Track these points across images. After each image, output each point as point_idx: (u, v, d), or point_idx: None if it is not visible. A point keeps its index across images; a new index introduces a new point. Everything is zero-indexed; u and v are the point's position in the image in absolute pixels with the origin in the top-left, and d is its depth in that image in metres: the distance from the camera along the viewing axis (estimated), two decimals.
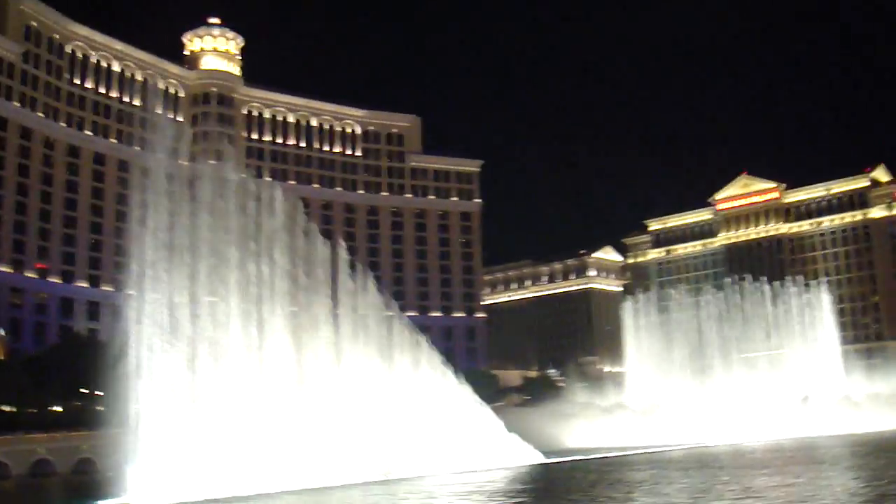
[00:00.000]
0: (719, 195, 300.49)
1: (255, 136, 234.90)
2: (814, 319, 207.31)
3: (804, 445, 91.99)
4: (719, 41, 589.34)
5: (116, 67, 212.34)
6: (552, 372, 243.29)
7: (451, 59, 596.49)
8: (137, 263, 66.25)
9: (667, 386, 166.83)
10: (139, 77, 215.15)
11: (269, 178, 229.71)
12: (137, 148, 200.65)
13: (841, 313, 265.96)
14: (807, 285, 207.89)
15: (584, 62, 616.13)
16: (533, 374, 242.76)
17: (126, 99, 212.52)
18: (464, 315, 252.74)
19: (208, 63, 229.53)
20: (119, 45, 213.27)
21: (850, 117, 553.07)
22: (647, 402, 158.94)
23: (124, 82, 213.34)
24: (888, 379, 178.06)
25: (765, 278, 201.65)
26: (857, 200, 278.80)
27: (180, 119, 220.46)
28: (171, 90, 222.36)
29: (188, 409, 65.18)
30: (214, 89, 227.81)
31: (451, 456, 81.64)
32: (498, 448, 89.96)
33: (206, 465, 64.34)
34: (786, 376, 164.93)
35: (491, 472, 76.12)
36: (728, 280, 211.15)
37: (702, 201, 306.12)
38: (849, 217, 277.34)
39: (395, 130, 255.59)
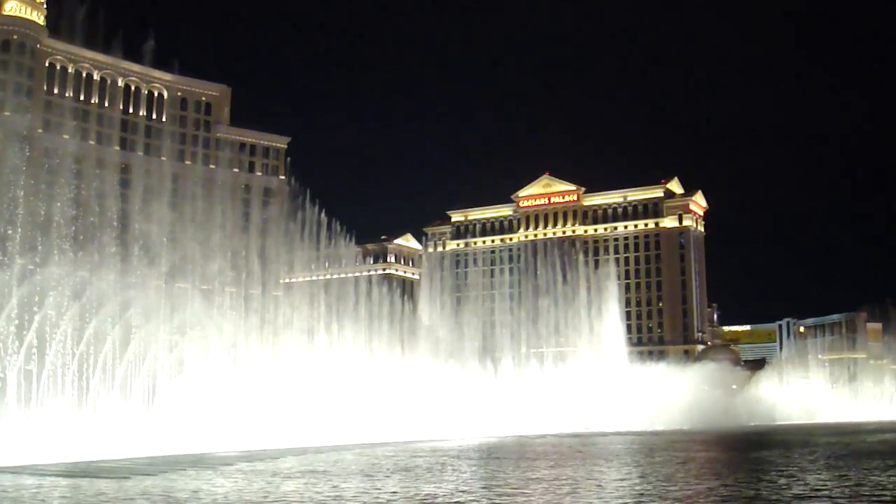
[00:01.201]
0: (522, 193, 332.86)
1: (56, 90, 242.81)
2: (602, 320, 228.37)
3: (587, 441, 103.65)
4: (534, 47, 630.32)
5: None
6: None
7: (269, 30, 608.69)
8: None
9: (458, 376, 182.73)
10: None
11: (67, 136, 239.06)
12: None
13: (628, 316, 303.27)
14: (598, 287, 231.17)
15: (406, 51, 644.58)
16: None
17: None
18: (259, 292, 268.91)
19: (11, 9, 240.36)
20: None
21: (650, 130, 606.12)
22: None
23: None
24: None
25: (559, 277, 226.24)
26: (651, 209, 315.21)
27: None
28: None
29: None
30: (16, 37, 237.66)
31: None
32: None
33: None
34: (573, 373, 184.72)
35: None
36: (522, 276, 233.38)
37: (504, 198, 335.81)
38: (642, 224, 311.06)
39: (203, 98, 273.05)
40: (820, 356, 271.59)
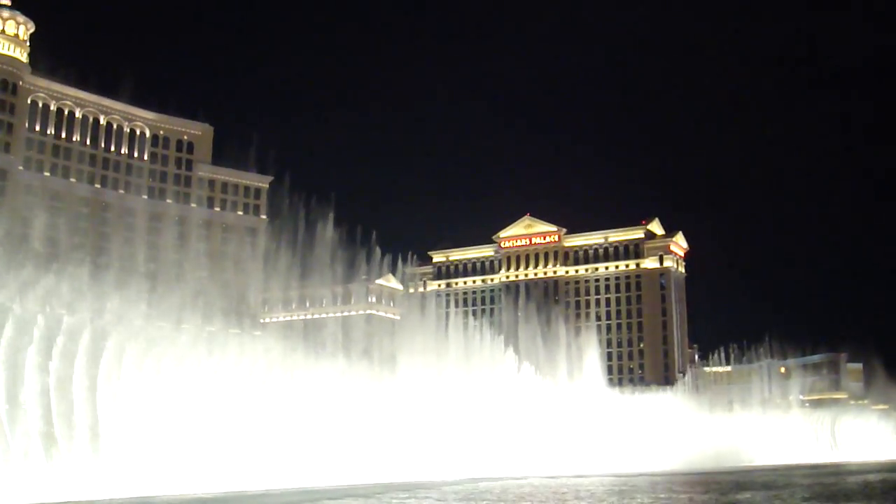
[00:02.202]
0: (503, 233, 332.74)
1: (37, 128, 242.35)
2: (582, 360, 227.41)
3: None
4: (516, 88, 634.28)
5: None
6: None
7: (249, 70, 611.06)
8: None
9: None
10: None
11: (48, 174, 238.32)
12: None
13: (609, 357, 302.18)
14: (578, 328, 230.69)
15: (387, 93, 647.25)
16: None
17: None
18: (239, 332, 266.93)
19: None
20: None
21: (630, 171, 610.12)
22: None
23: None
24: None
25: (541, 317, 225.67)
26: (632, 250, 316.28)
27: None
28: None
29: None
30: None
31: None
32: None
33: None
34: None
35: None
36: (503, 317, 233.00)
37: (485, 239, 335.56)
38: (623, 265, 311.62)
39: (185, 137, 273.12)
40: (801, 396, 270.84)
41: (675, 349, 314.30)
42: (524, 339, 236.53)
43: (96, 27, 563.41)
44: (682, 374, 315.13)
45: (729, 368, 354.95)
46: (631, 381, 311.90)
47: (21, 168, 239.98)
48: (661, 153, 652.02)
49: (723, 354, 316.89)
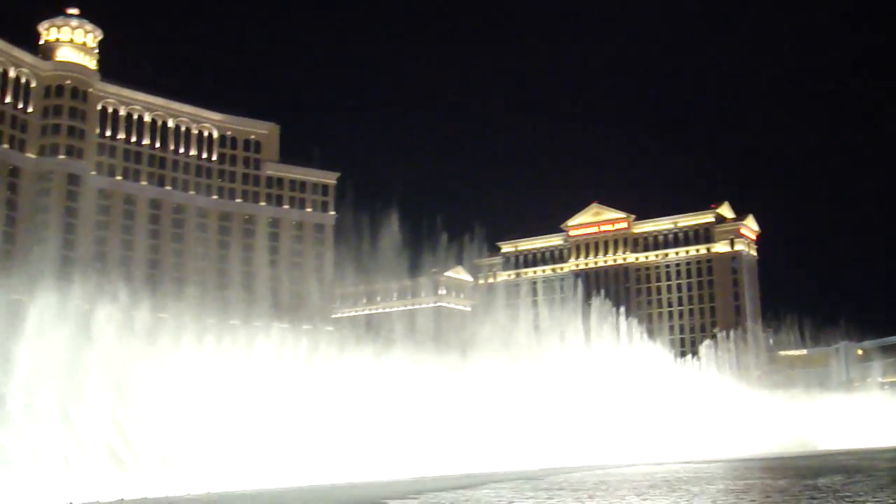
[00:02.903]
0: (571, 222, 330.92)
1: (108, 133, 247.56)
2: (655, 347, 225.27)
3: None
4: (582, 75, 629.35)
5: None
6: None
7: (315, 68, 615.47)
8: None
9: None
10: None
11: (119, 178, 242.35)
12: None
13: (682, 343, 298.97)
14: (649, 314, 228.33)
15: (450, 85, 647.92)
16: None
17: None
18: (311, 328, 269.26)
19: (64, 55, 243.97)
20: None
21: (699, 155, 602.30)
22: None
23: None
24: None
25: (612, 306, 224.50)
26: (702, 235, 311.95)
27: (31, 110, 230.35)
28: (23, 80, 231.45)
29: None
30: (69, 82, 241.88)
31: None
32: None
33: None
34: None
35: None
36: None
37: (553, 227, 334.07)
38: (693, 250, 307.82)
39: (253, 137, 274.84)
40: (880, 379, 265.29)
41: (749, 334, 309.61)
42: (595, 327, 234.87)
43: (160, 32, 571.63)
44: (755, 359, 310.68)
45: (804, 351, 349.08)
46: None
47: (94, 173, 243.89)
48: (730, 135, 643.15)
49: (798, 338, 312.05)
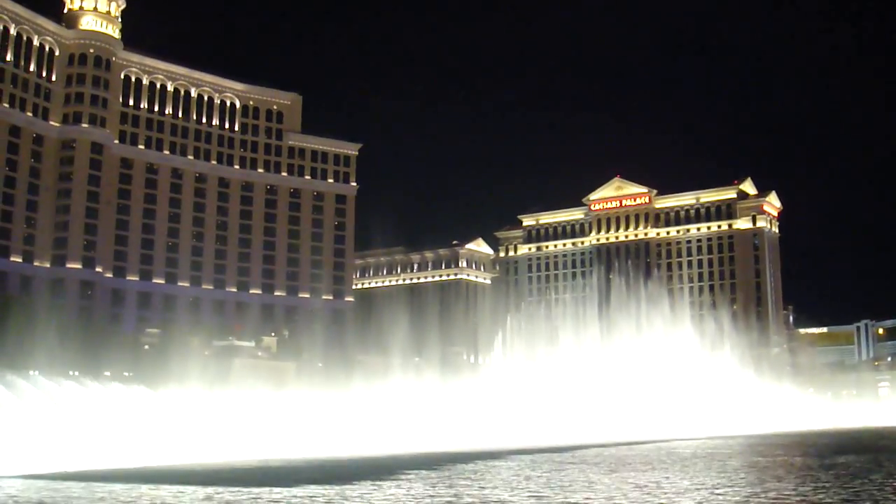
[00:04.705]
0: (593, 196, 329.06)
1: (131, 102, 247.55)
2: (674, 325, 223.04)
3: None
4: (604, 48, 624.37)
5: None
6: (417, 360, 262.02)
7: (337, 40, 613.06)
8: None
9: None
10: (13, 31, 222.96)
11: (142, 147, 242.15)
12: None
13: (701, 319, 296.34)
14: (670, 290, 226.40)
15: (471, 56, 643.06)
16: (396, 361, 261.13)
17: None
18: (332, 298, 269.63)
19: (87, 23, 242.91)
20: None
21: (721, 130, 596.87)
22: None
23: None
24: None
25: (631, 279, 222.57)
26: (724, 211, 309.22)
27: (54, 79, 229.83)
28: (47, 48, 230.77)
29: None
30: (92, 51, 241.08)
31: None
32: None
33: None
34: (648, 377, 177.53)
35: None
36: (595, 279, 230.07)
37: (575, 201, 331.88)
38: (715, 226, 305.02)
39: (275, 107, 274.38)
40: None
41: (770, 311, 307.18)
42: (616, 302, 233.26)
43: (183, 1, 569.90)
44: (776, 337, 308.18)
45: (825, 329, 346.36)
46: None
47: (116, 142, 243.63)
48: (752, 111, 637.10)
49: (819, 315, 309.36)
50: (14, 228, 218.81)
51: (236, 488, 45.34)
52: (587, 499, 42.75)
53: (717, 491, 45.39)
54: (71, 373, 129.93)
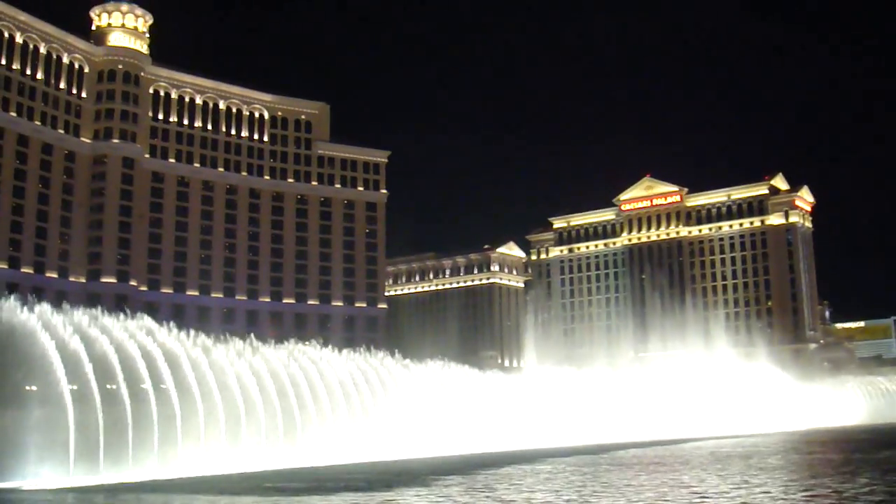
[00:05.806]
0: (623, 196, 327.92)
1: (160, 116, 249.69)
2: (708, 325, 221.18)
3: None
4: (632, 48, 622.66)
5: (19, 39, 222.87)
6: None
7: (364, 47, 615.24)
8: None
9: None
10: (43, 50, 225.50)
11: (173, 160, 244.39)
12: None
13: (737, 317, 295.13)
14: (703, 288, 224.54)
15: (497, 62, 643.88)
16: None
17: (29, 72, 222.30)
18: (365, 305, 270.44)
19: (115, 40, 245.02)
20: (23, 17, 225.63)
21: (751, 126, 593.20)
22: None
23: (27, 54, 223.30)
24: None
25: (664, 280, 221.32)
26: (756, 207, 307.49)
27: (84, 95, 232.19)
28: (76, 65, 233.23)
29: None
30: (121, 67, 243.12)
31: None
32: None
33: None
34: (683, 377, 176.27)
35: None
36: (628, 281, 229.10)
37: (605, 202, 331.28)
38: (747, 223, 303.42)
39: (303, 117, 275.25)
40: None
41: (805, 307, 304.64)
42: (650, 302, 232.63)
43: (209, 15, 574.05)
44: (812, 332, 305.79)
45: (862, 324, 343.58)
46: (760, 341, 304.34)
47: (147, 156, 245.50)
48: (781, 106, 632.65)
49: (855, 310, 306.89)
50: (49, 245, 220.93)
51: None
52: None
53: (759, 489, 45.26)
54: (108, 386, 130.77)
